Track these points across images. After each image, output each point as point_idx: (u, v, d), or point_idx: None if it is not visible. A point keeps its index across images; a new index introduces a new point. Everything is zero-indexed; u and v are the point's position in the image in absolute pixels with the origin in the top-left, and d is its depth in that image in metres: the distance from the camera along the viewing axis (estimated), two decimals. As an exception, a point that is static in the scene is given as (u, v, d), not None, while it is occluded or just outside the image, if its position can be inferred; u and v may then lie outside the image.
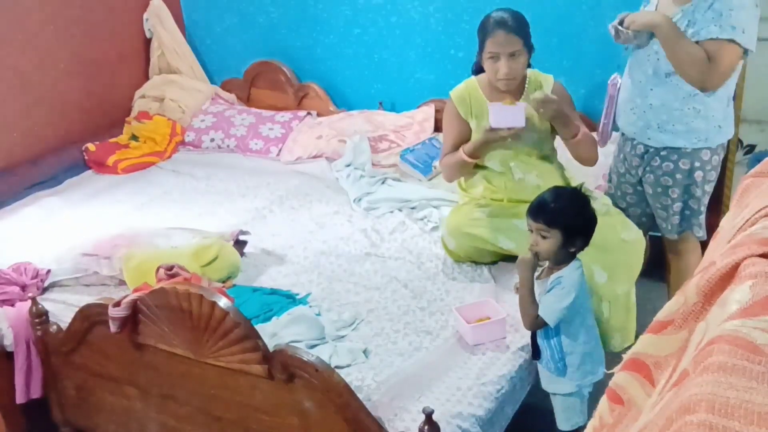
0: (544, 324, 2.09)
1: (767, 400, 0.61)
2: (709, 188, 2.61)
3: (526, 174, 2.61)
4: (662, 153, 2.55)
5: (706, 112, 2.46)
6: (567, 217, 2.08)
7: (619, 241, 2.46)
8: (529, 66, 2.68)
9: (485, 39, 2.50)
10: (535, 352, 2.17)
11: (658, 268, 3.00)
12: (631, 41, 2.51)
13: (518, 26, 2.49)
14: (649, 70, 2.50)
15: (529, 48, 2.54)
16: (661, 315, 0.87)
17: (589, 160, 2.61)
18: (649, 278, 2.90)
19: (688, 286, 0.83)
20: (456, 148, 2.66)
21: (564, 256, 2.11)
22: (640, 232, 2.58)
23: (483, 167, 2.68)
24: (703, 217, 2.65)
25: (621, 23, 2.49)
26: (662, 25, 2.40)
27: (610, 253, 2.42)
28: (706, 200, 2.63)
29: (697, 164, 2.53)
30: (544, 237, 2.08)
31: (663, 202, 2.64)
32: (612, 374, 0.93)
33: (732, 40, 2.32)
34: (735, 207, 0.97)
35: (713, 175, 2.58)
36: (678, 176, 2.56)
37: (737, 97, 2.99)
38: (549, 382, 2.18)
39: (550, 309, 2.08)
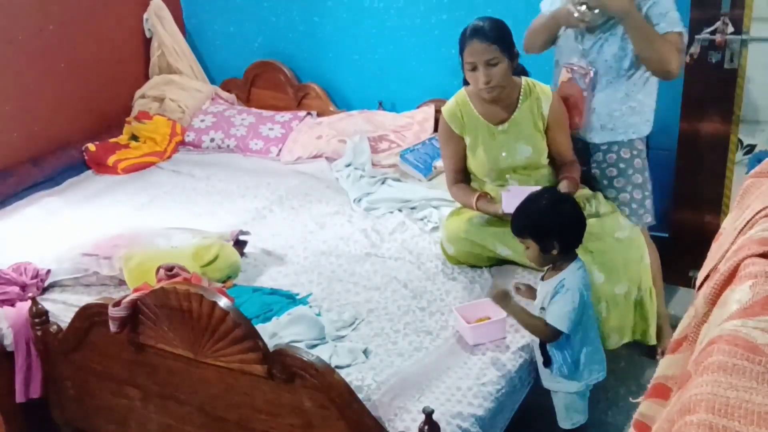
0: (559, 333, 2.06)
1: (767, 400, 0.61)
2: (648, 175, 2.72)
3: (523, 186, 2.60)
4: (602, 147, 2.71)
5: (641, 108, 2.67)
6: (531, 223, 2.11)
7: (612, 241, 2.47)
8: (525, 74, 2.67)
9: (463, 50, 2.48)
10: (546, 360, 2.14)
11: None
12: (590, 21, 2.50)
13: (494, 33, 2.44)
14: (607, 63, 2.61)
15: (511, 55, 2.48)
16: (676, 334, 0.87)
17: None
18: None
19: (698, 298, 0.83)
20: (457, 170, 2.68)
21: (559, 257, 2.12)
22: (636, 229, 2.58)
23: (479, 179, 2.69)
24: (650, 203, 2.72)
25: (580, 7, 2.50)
26: (634, 13, 2.47)
27: (605, 254, 2.43)
28: (649, 187, 2.72)
29: (635, 152, 2.69)
30: (527, 247, 2.13)
31: (609, 194, 2.71)
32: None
33: (680, 33, 2.54)
34: (736, 208, 0.97)
35: (647, 163, 2.73)
36: (621, 165, 2.69)
37: (737, 97, 3.00)
38: (554, 382, 2.18)
39: (558, 315, 2.06)
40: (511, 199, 2.36)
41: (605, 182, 2.72)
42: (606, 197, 2.70)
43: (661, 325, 2.74)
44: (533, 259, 2.15)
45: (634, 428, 0.90)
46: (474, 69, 2.47)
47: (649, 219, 2.71)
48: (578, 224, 2.15)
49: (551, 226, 2.09)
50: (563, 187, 2.46)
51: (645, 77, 2.61)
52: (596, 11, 2.47)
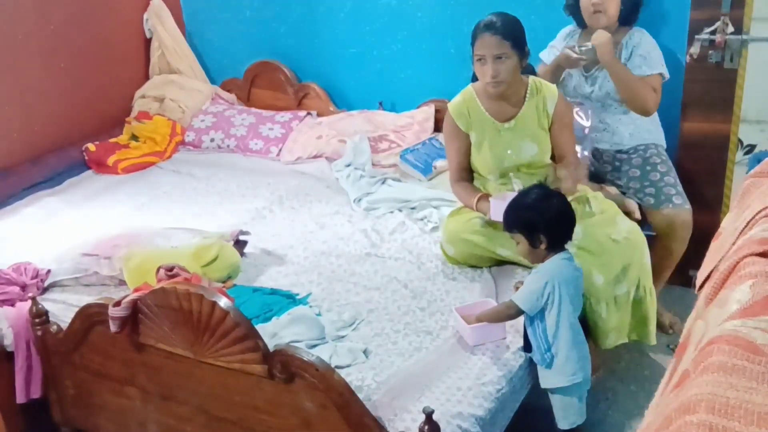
0: (519, 310, 2.13)
1: (767, 401, 0.60)
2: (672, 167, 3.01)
3: (527, 185, 2.59)
4: (631, 153, 3.00)
5: (654, 119, 3.03)
6: (520, 217, 2.17)
7: (610, 243, 2.46)
8: (532, 73, 2.67)
9: (474, 42, 2.50)
10: (526, 345, 2.19)
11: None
12: (587, 59, 2.87)
13: (506, 29, 2.46)
14: (609, 95, 2.97)
15: (521, 53, 2.50)
16: (681, 337, 0.87)
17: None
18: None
19: (699, 300, 0.83)
20: (460, 167, 2.69)
21: (547, 252, 2.16)
22: (634, 231, 2.57)
23: (482, 176, 2.69)
24: (680, 188, 2.94)
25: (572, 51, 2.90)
26: (616, 64, 2.85)
27: (603, 255, 2.43)
28: (676, 175, 2.97)
29: (662, 151, 3.01)
30: (518, 242, 2.19)
31: (652, 177, 2.93)
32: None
33: (660, 74, 2.90)
34: (736, 208, 0.97)
35: (674, 170, 3.00)
36: (653, 159, 2.96)
37: (737, 97, 3.01)
38: (543, 378, 2.19)
39: (519, 293, 2.15)
40: (498, 207, 2.38)
41: (643, 178, 2.93)
42: (646, 193, 2.90)
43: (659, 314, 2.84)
44: (524, 254, 2.21)
45: None
46: (483, 62, 2.48)
47: (680, 201, 2.89)
48: (566, 219, 2.18)
49: (539, 221, 2.13)
50: (561, 173, 2.53)
51: None
52: (591, 47, 2.83)
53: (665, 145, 3.07)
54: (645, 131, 3.00)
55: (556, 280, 2.10)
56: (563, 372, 2.14)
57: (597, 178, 3.01)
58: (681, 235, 2.88)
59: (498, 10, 2.55)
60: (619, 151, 3.02)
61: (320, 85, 4.01)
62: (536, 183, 2.31)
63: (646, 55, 2.88)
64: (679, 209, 2.85)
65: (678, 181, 2.94)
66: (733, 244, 0.85)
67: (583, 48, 2.84)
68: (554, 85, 2.64)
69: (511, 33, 2.47)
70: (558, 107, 2.59)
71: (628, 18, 2.94)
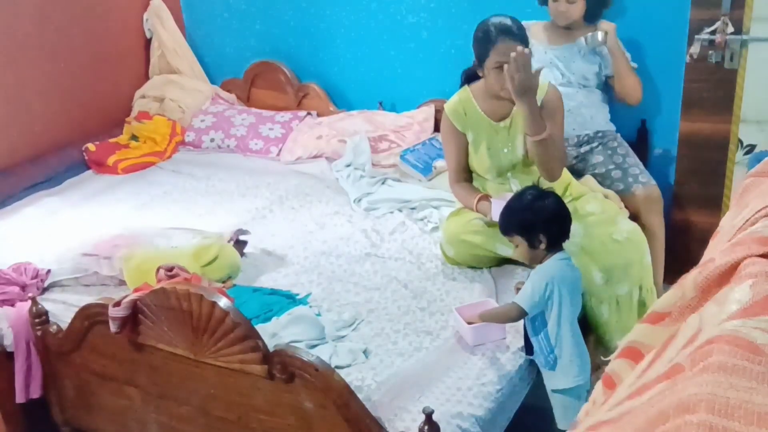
0: (522, 311, 2.12)
1: (767, 401, 0.60)
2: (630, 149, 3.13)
3: (524, 184, 2.59)
4: (591, 142, 3.07)
5: (605, 108, 3.14)
6: (517, 219, 2.17)
7: (611, 242, 2.46)
8: None
9: (489, 49, 2.42)
10: (528, 348, 2.18)
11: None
12: (590, 44, 3.00)
13: (522, 33, 2.44)
14: (581, 78, 3.05)
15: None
16: (658, 306, 0.87)
17: (549, 170, 2.51)
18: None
19: (686, 281, 0.83)
20: (459, 168, 2.68)
21: (547, 252, 2.16)
22: (635, 231, 2.57)
23: (480, 176, 2.69)
24: (642, 167, 3.05)
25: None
26: (622, 54, 2.99)
27: (604, 255, 2.43)
28: (635, 154, 3.10)
29: (617, 136, 3.12)
30: (517, 245, 2.19)
31: (615, 160, 3.03)
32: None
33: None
34: (735, 206, 0.97)
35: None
36: (611, 144, 3.06)
37: (737, 97, 3.00)
38: (547, 380, 2.19)
39: (522, 294, 2.14)
40: (499, 207, 2.37)
41: (608, 163, 3.01)
42: (614, 178, 2.95)
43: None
44: (523, 257, 2.21)
45: (602, 381, 0.91)
46: (502, 68, 2.38)
47: (644, 180, 2.97)
48: (562, 217, 2.18)
49: (536, 221, 2.13)
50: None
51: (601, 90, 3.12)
52: (597, 37, 2.95)
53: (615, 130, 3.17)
54: (602, 120, 3.10)
55: (556, 281, 2.10)
56: (568, 373, 2.14)
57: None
58: (657, 209, 2.96)
59: (497, 11, 2.54)
60: (581, 140, 3.07)
61: (320, 85, 4.00)
62: (529, 185, 2.31)
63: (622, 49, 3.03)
64: (647, 186, 2.95)
65: (638, 160, 3.04)
66: (731, 240, 0.85)
67: (591, 36, 2.97)
68: (546, 82, 2.62)
69: (525, 37, 2.46)
70: (545, 101, 2.54)
71: (593, 16, 3.04)
